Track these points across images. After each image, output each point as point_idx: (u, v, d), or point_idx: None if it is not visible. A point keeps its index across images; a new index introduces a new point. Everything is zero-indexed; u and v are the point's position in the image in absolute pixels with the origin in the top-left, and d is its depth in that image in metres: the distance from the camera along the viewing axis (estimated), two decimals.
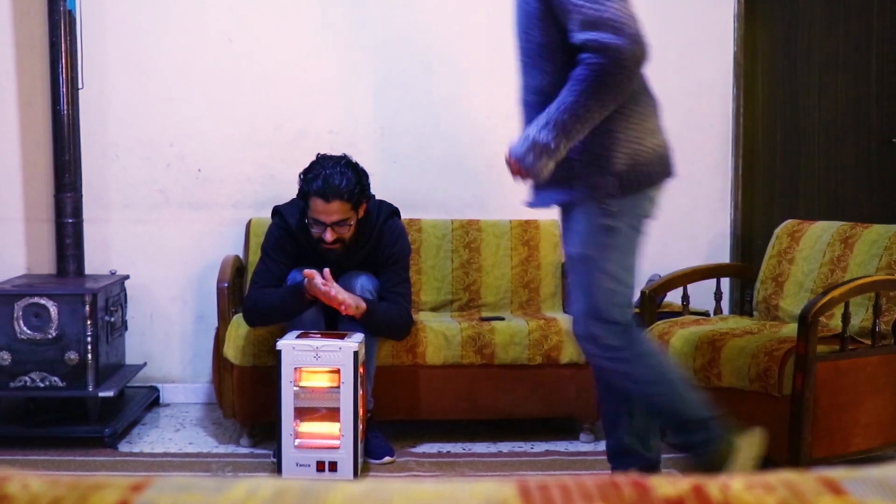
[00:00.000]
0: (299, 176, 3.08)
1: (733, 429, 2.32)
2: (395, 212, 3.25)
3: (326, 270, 2.92)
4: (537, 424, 3.48)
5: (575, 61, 2.14)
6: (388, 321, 3.05)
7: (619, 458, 2.54)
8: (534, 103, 2.30)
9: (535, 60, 2.29)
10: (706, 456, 2.31)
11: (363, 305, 2.96)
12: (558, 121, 2.12)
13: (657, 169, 2.28)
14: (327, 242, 3.00)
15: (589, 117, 2.12)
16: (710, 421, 2.31)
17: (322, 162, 3.02)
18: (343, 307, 2.90)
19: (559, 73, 2.21)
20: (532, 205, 2.41)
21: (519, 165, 2.20)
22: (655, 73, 4.07)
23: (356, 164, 3.06)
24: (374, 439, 3.07)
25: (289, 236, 3.13)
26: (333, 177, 2.94)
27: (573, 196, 2.27)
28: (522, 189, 3.92)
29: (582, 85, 2.10)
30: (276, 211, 3.23)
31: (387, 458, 3.05)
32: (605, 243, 2.27)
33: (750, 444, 2.31)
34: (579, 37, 2.11)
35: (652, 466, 2.54)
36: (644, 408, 2.41)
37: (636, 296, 3.49)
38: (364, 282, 3.06)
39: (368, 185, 3.08)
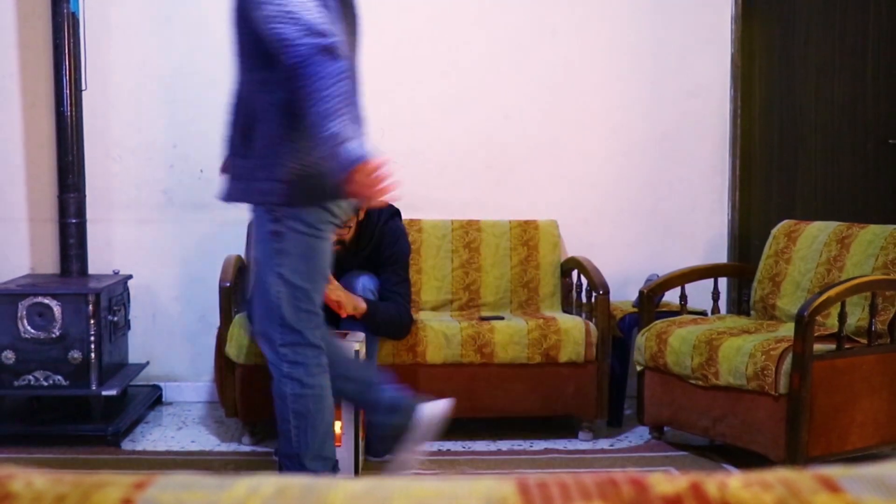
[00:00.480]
0: None
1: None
2: (395, 213, 3.26)
3: None
4: (536, 423, 3.49)
5: (266, 61, 2.16)
6: (388, 321, 3.06)
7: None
8: (236, 103, 2.33)
9: (238, 59, 2.31)
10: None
11: (362, 306, 2.97)
12: (322, 113, 2.00)
13: (333, 184, 2.21)
14: None
15: (334, 92, 2.01)
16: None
17: None
18: (341, 311, 2.92)
19: (253, 73, 2.25)
20: (223, 198, 2.41)
21: (354, 175, 2.00)
22: (654, 74, 4.11)
23: None
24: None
25: None
26: None
27: (245, 197, 2.30)
28: (522, 189, 3.96)
29: (304, 79, 2.02)
30: None
31: (387, 457, 3.06)
32: (274, 248, 2.30)
33: None
34: (264, 30, 2.11)
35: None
36: (280, 423, 2.40)
37: (634, 295, 3.55)
38: (365, 282, 3.07)
39: None
